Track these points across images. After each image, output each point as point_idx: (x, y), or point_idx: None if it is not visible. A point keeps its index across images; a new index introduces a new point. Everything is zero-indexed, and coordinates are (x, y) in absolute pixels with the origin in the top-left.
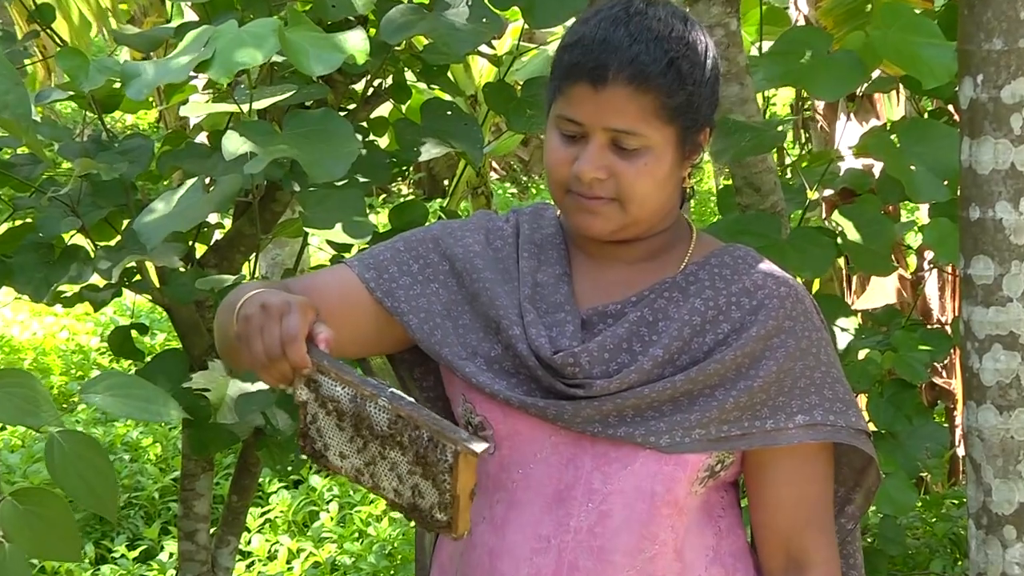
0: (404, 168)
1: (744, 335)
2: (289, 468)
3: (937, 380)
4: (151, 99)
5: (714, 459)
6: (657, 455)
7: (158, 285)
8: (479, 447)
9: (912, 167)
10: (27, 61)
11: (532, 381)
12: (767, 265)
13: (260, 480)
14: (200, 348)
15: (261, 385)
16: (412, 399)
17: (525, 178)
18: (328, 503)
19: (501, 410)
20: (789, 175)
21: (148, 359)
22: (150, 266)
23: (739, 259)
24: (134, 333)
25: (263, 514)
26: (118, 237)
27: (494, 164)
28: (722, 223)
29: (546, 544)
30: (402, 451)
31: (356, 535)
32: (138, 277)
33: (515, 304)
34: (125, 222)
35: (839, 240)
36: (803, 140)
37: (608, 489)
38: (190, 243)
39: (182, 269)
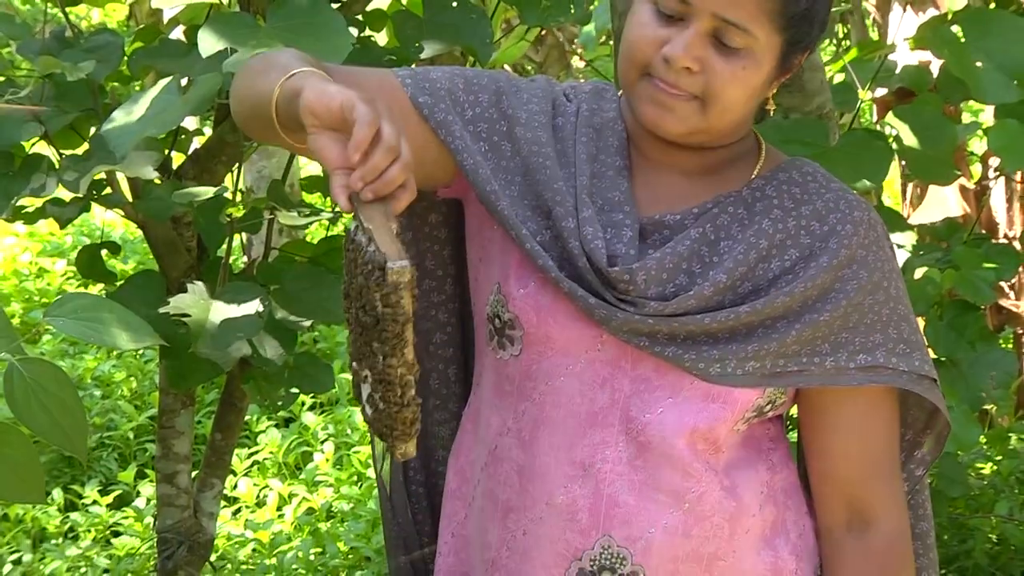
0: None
1: (814, 264)
2: (279, 404)
3: (1004, 302)
4: None
5: (765, 399)
6: (704, 390)
7: (131, 199)
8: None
9: (977, 63)
10: None
11: (578, 281)
12: (838, 184)
13: (247, 418)
14: (178, 269)
15: (247, 308)
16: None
17: None
18: (323, 443)
19: (536, 309)
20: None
21: (120, 283)
22: (121, 178)
23: (808, 176)
24: (104, 253)
25: (250, 455)
26: (85, 145)
27: (505, 70)
28: (761, 130)
29: (582, 472)
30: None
31: (355, 478)
32: (108, 190)
33: (571, 193)
34: (92, 128)
35: (894, 145)
36: (840, 36)
37: (646, 419)
38: (166, 152)
39: (157, 181)
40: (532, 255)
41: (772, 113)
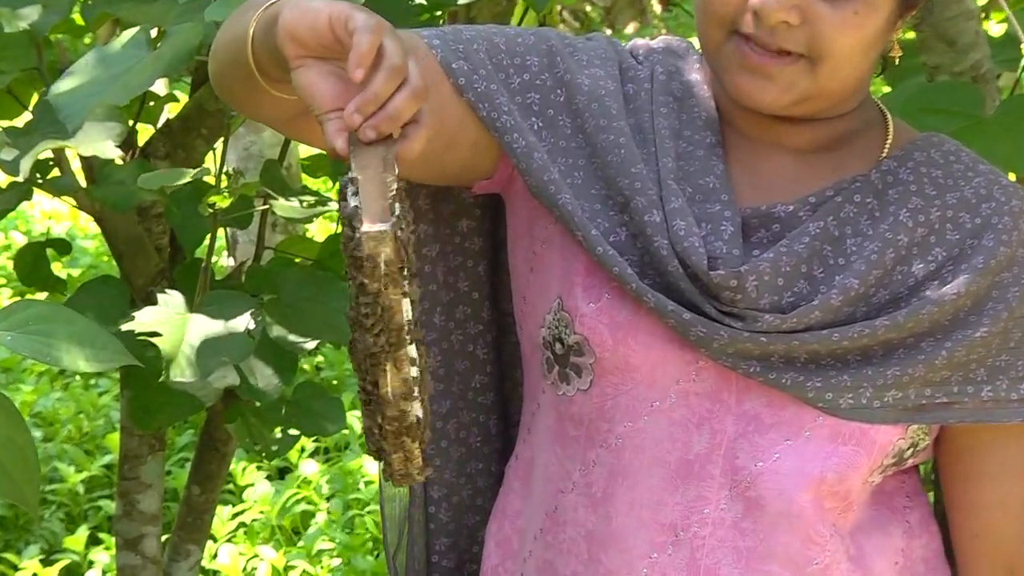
0: (437, 15)
1: (965, 266)
2: (273, 449)
3: None
4: None
5: (907, 439)
6: (832, 429)
7: (85, 184)
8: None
9: None
10: None
11: (665, 292)
12: (987, 167)
13: (231, 467)
14: (146, 275)
15: (234, 325)
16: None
17: (609, 31)
18: (327, 500)
19: (612, 328)
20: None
21: (71, 294)
22: (73, 156)
23: (950, 157)
24: (51, 252)
25: (236, 515)
26: (27, 115)
27: (564, 15)
28: (896, 96)
29: (673, 538)
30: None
31: (368, 545)
32: (55, 173)
33: (654, 179)
34: (36, 94)
35: None
36: None
37: (757, 469)
38: (130, 123)
39: (119, 161)
40: (605, 261)
41: (898, 61)
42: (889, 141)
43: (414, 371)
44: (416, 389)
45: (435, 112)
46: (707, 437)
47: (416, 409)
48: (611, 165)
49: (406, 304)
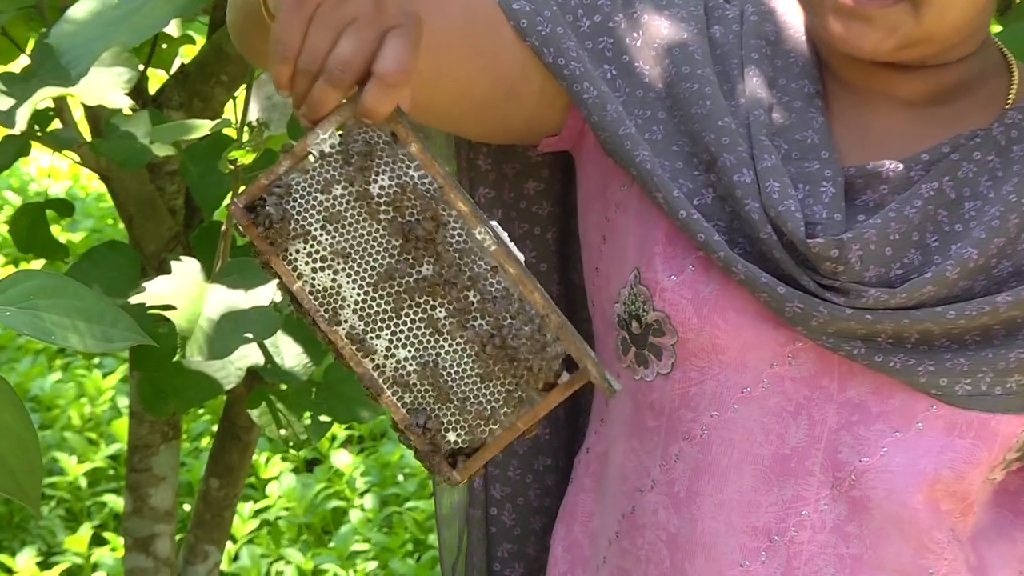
0: None
1: None
2: (302, 438)
3: None
4: None
5: None
6: (948, 420)
7: (89, 138)
8: (615, 384)
9: None
10: None
11: (756, 262)
12: None
13: (254, 457)
14: (158, 240)
15: (258, 298)
16: (520, 255)
17: None
18: (362, 495)
19: (697, 304)
20: None
21: (73, 261)
22: (76, 106)
23: None
24: (50, 214)
25: (259, 512)
26: (24, 59)
27: None
28: (1010, 37)
29: (767, 543)
30: (470, 318)
31: (409, 547)
32: (56, 124)
33: (744, 134)
34: (34, 37)
35: None
36: None
37: (863, 464)
38: (141, 68)
39: (129, 111)
40: (688, 227)
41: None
42: (1014, 90)
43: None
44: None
45: (491, 61)
46: (805, 428)
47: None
48: (695, 118)
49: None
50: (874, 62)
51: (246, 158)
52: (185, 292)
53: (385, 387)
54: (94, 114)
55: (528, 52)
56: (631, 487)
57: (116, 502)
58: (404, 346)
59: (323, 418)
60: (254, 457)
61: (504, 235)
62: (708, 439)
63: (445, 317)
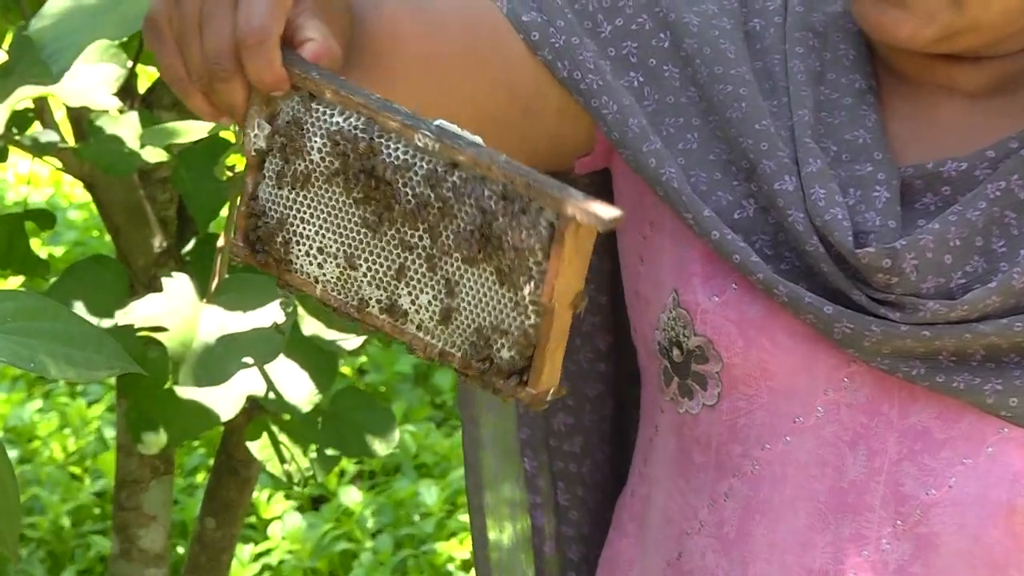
0: None
1: None
2: (306, 474)
3: None
4: None
5: None
6: (1022, 441)
7: (74, 142)
8: (607, 213)
9: None
10: None
11: (805, 276)
12: None
13: (254, 494)
14: (147, 254)
15: (259, 318)
16: (477, 139)
17: None
18: (375, 535)
19: (742, 327)
20: None
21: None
22: (57, 105)
23: None
24: (30, 227)
25: (259, 555)
26: (1, 54)
27: None
28: None
29: None
30: (448, 229)
31: None
32: (36, 127)
33: (786, 137)
34: (11, 29)
35: None
36: None
37: (930, 498)
38: (129, 65)
39: (117, 112)
40: (722, 248)
41: None
42: None
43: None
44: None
45: (501, 74)
46: (864, 460)
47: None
48: (731, 123)
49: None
50: (930, 53)
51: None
52: (177, 312)
53: (436, 342)
54: (78, 115)
55: (541, 67)
56: (677, 530)
57: (103, 544)
58: (422, 292)
59: (330, 451)
60: (254, 494)
61: (451, 127)
62: (759, 475)
63: (432, 243)
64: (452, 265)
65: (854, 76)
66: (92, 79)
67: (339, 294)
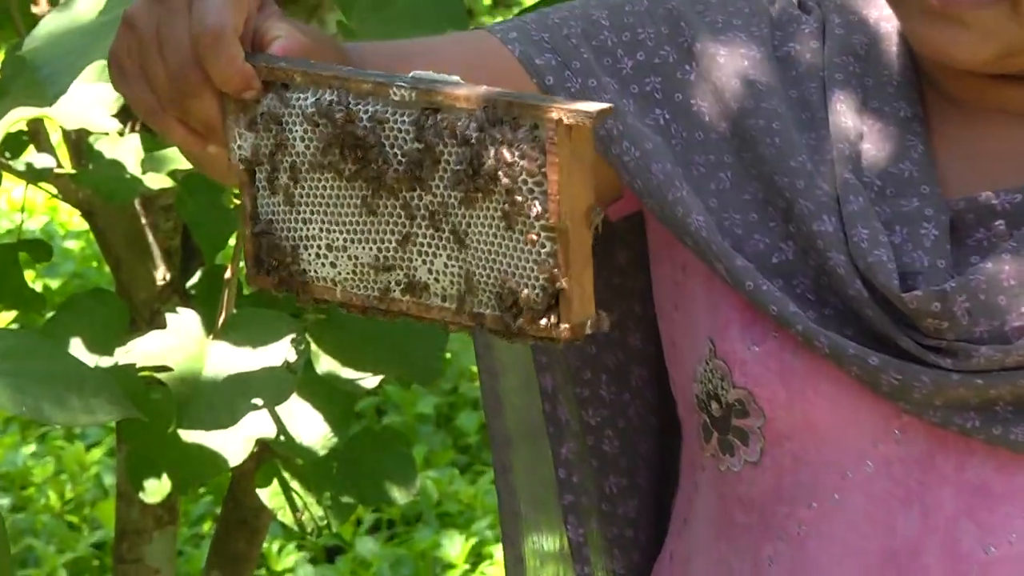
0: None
1: None
2: (320, 524)
3: None
4: None
5: None
6: None
7: (71, 167)
8: (593, 106)
9: None
10: None
11: (850, 322)
12: None
13: (265, 545)
14: (150, 287)
15: (269, 356)
16: (454, 78)
17: None
18: None
19: (784, 378)
20: None
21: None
22: (54, 129)
23: None
24: (23, 257)
25: None
26: None
27: None
28: None
29: None
30: (442, 178)
31: None
32: (31, 151)
33: (824, 173)
34: (4, 47)
35: None
36: None
37: (991, 556)
38: None
39: (117, 135)
40: (757, 299)
41: None
42: None
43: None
44: None
45: None
46: (918, 517)
47: None
48: (765, 159)
49: None
50: (984, 74)
51: None
52: (182, 350)
53: (464, 307)
54: (75, 139)
55: None
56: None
57: None
58: (435, 256)
59: (346, 499)
60: (264, 545)
61: (426, 74)
62: (806, 535)
63: (432, 198)
64: (456, 215)
65: (899, 103)
66: (90, 100)
67: (359, 289)
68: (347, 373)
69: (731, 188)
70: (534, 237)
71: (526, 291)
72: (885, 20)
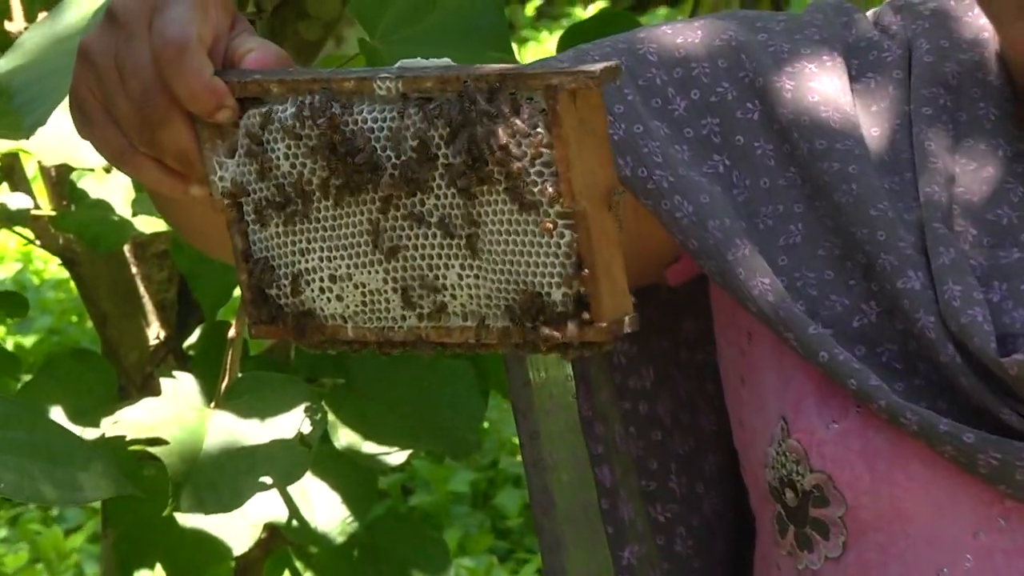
0: None
1: None
2: None
3: None
4: None
5: None
6: None
7: (51, 209)
8: (596, 66)
9: None
10: None
11: (944, 393)
12: None
13: None
14: (141, 347)
15: (280, 428)
16: (444, 60)
17: None
18: None
19: (869, 460)
20: None
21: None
22: (31, 166)
23: None
24: None
25: None
26: None
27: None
28: None
29: None
30: (442, 175)
31: None
32: (5, 188)
33: (911, 222)
34: None
35: None
36: None
37: None
38: None
39: (103, 172)
40: (833, 372)
41: None
42: None
43: None
44: None
45: None
46: None
47: None
48: (841, 208)
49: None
50: None
51: None
52: (179, 420)
53: (486, 324)
54: (56, 176)
55: None
56: None
57: None
58: (448, 267)
59: None
60: None
61: (412, 61)
62: None
63: (435, 200)
64: (462, 216)
65: (996, 140)
66: (73, 132)
67: (371, 322)
68: (369, 447)
69: (803, 242)
70: (550, 226)
71: (550, 291)
72: (981, 45)
